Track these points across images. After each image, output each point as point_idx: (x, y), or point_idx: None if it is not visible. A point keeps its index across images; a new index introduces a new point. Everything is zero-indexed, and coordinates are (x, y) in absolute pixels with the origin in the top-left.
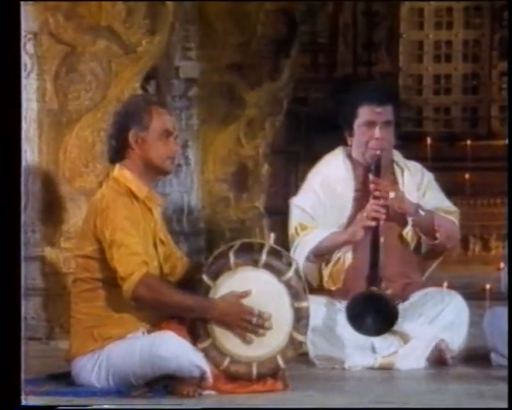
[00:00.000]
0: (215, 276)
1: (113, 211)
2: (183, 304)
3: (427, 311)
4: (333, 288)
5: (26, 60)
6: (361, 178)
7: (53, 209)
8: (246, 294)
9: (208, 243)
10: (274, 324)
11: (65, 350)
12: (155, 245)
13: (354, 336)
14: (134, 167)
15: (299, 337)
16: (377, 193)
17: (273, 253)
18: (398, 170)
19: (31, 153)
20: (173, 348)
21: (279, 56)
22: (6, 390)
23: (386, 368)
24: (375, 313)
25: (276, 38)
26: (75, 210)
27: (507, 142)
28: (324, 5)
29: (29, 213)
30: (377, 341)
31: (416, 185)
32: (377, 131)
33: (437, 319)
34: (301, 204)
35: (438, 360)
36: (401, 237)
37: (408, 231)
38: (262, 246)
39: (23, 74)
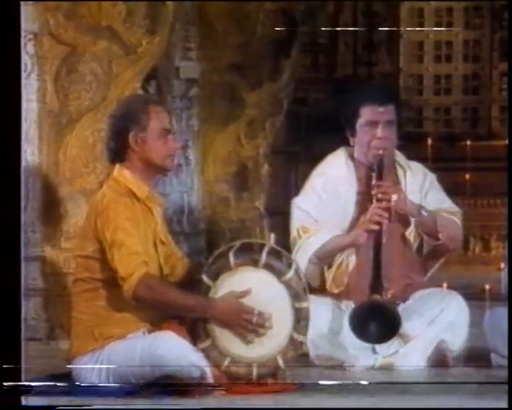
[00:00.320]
0: (215, 276)
1: (113, 211)
2: (183, 304)
3: (428, 311)
4: (336, 291)
5: (26, 60)
6: (363, 178)
7: (53, 209)
8: (245, 293)
9: (208, 243)
10: (274, 324)
11: (65, 351)
12: (155, 245)
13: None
14: (134, 168)
15: (300, 338)
16: (380, 196)
17: (273, 253)
18: (400, 170)
19: (31, 153)
20: (173, 349)
21: (279, 57)
22: (6, 390)
23: (387, 368)
24: (377, 321)
25: (276, 38)
26: (75, 210)
27: (507, 142)
28: (324, 5)
29: (29, 214)
30: None
31: (419, 186)
32: (379, 131)
33: (437, 320)
34: (304, 206)
35: (438, 360)
36: (403, 238)
37: (410, 232)
38: (262, 246)
39: (23, 75)
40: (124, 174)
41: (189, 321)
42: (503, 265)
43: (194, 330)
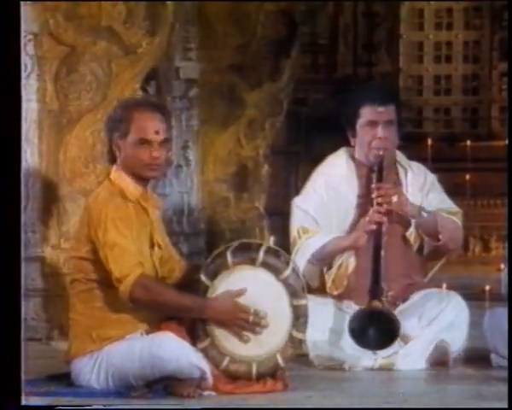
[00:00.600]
0: (213, 275)
1: (105, 212)
2: (180, 304)
3: (427, 312)
4: (335, 292)
5: (26, 60)
6: (364, 178)
7: (53, 210)
8: (241, 292)
9: (208, 243)
10: (273, 322)
11: (65, 351)
12: (151, 246)
13: None
14: (125, 169)
15: (299, 335)
16: (380, 199)
17: (271, 252)
18: (401, 170)
19: (31, 153)
20: (173, 349)
21: (279, 57)
22: (6, 390)
23: (387, 369)
24: (376, 328)
25: (276, 38)
26: (75, 211)
27: (507, 142)
28: (324, 6)
29: (29, 214)
30: None
31: (420, 186)
32: (380, 131)
33: (437, 320)
34: (304, 206)
35: (438, 360)
36: (404, 238)
37: (411, 233)
38: (260, 245)
39: (23, 75)
40: (118, 174)
41: (187, 321)
42: (502, 265)
43: (194, 330)
